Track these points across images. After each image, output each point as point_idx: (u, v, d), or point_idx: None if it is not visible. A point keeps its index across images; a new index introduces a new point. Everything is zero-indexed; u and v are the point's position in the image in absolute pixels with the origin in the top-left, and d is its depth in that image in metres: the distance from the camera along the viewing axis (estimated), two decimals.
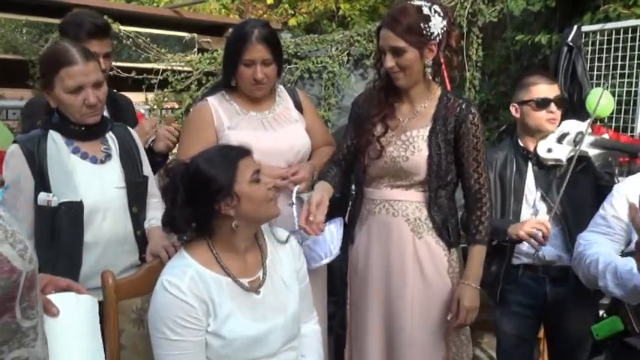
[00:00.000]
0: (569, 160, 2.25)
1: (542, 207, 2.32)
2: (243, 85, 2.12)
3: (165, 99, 4.51)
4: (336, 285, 2.67)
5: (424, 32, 1.87)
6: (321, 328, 1.92)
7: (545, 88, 2.31)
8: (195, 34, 5.17)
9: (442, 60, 1.98)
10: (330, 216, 2.17)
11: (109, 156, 1.91)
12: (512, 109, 2.40)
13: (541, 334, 2.67)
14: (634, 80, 3.79)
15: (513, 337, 2.37)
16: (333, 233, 2.07)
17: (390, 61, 1.89)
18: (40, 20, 4.59)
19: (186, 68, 4.71)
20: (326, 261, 2.07)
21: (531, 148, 2.35)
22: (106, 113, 2.28)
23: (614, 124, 3.79)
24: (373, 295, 2.06)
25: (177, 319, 1.50)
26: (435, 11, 1.88)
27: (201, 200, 1.56)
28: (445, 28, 1.90)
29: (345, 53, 4.81)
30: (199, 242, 1.63)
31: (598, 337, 1.70)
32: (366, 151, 2.02)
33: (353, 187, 2.92)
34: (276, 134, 2.14)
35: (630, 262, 1.58)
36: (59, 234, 1.78)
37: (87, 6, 4.44)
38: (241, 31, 2.08)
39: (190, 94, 4.53)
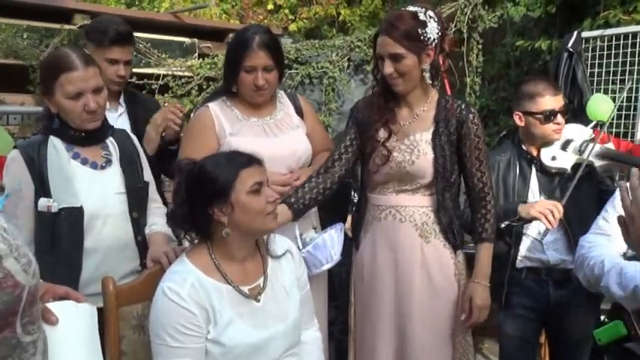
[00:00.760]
0: (574, 167, 2.25)
1: None
2: (244, 91, 2.12)
3: (166, 104, 4.51)
4: (336, 290, 2.66)
5: (421, 38, 1.90)
6: (321, 334, 1.91)
7: (551, 100, 2.29)
8: (196, 40, 5.17)
9: (442, 65, 2.01)
10: (329, 221, 2.18)
11: (109, 161, 1.91)
12: (516, 118, 2.37)
13: (542, 339, 2.67)
14: (634, 86, 3.80)
15: (516, 339, 2.37)
16: (333, 239, 2.07)
17: (388, 68, 1.91)
18: (40, 25, 4.59)
19: (186, 73, 4.71)
20: (327, 267, 2.07)
21: (535, 153, 2.35)
22: (124, 119, 2.29)
23: (614, 130, 3.79)
24: (382, 301, 2.06)
25: (178, 326, 1.49)
26: (430, 17, 1.92)
27: (198, 201, 1.56)
28: (440, 33, 1.93)
29: (346, 59, 4.82)
30: (201, 248, 1.62)
31: (600, 342, 1.69)
32: (372, 158, 2.02)
33: (353, 192, 2.93)
34: (277, 140, 2.14)
35: (636, 265, 1.59)
36: (59, 240, 1.78)
37: (88, 12, 4.46)
38: (242, 37, 2.07)
39: (191, 100, 4.53)
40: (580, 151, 2.31)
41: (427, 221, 2.01)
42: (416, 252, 2.00)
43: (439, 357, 2.02)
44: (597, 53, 3.94)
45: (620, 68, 3.82)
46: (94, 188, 1.84)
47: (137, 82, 4.12)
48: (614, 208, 1.90)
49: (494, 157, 2.39)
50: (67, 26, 4.51)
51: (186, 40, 5.14)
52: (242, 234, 1.60)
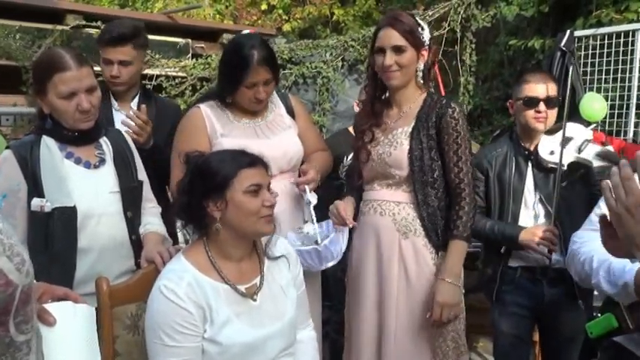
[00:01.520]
0: (570, 165, 2.26)
1: (541, 210, 2.32)
2: (242, 102, 2.14)
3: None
4: (331, 290, 2.67)
5: (420, 37, 2.00)
6: (316, 334, 1.91)
7: (535, 87, 2.31)
8: (190, 40, 5.16)
9: (436, 67, 2.07)
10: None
11: (103, 161, 1.90)
12: (509, 106, 2.43)
13: (536, 337, 2.68)
14: (627, 84, 3.82)
15: (511, 336, 2.38)
16: (345, 235, 2.14)
17: (390, 59, 1.98)
18: (33, 26, 4.57)
19: (180, 74, 4.70)
20: (334, 262, 2.12)
21: (532, 149, 2.36)
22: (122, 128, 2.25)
23: (607, 128, 3.81)
24: (365, 299, 2.09)
25: (175, 325, 1.49)
26: (423, 23, 2.07)
27: (196, 191, 1.57)
28: (429, 42, 2.04)
29: (340, 58, 4.82)
30: (197, 246, 1.62)
31: (592, 335, 1.69)
32: (360, 160, 2.11)
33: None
34: (269, 142, 2.14)
35: (625, 261, 1.59)
36: (52, 239, 1.77)
37: (81, 12, 4.45)
38: (241, 53, 2.05)
39: (185, 100, 4.52)
40: (579, 150, 2.31)
41: (407, 217, 2.02)
42: (394, 247, 2.02)
43: (415, 356, 2.01)
44: (590, 52, 3.97)
45: (612, 67, 3.84)
46: (87, 188, 1.83)
47: None
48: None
49: (490, 153, 2.41)
50: (59, 27, 4.50)
51: (180, 40, 5.13)
52: (234, 233, 1.60)
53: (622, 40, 3.81)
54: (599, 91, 3.75)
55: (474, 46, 4.76)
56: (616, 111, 3.83)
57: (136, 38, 2.36)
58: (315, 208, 2.15)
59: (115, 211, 1.88)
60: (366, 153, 2.08)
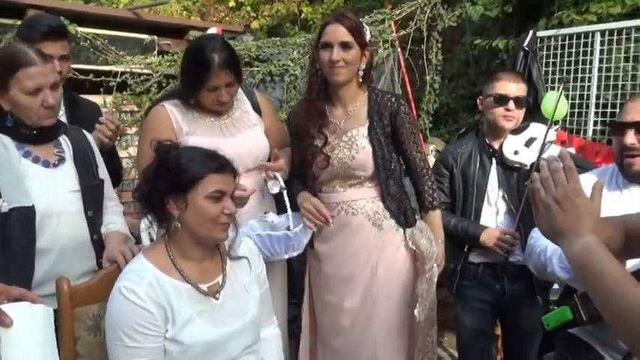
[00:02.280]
0: (532, 165, 2.31)
1: (503, 207, 2.37)
2: (205, 104, 2.12)
3: (124, 102, 4.42)
4: (297, 288, 2.67)
5: (365, 36, 2.07)
6: (281, 331, 1.92)
7: (506, 85, 2.35)
8: (156, 37, 5.09)
9: (403, 64, 2.11)
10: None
11: (62, 159, 1.87)
12: (479, 102, 2.47)
13: (499, 331, 2.74)
14: (586, 84, 3.92)
15: (473, 330, 2.44)
16: (310, 231, 2.16)
17: (337, 54, 2.02)
18: None
19: (145, 71, 4.63)
20: (296, 253, 2.14)
21: (497, 147, 2.40)
22: (63, 117, 2.23)
23: (567, 127, 3.90)
24: (344, 294, 2.14)
25: (135, 326, 1.47)
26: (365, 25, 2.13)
27: (159, 185, 1.55)
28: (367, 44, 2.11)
29: (307, 57, 4.81)
30: (158, 246, 1.61)
31: (548, 327, 1.74)
32: (314, 163, 2.12)
33: None
34: (234, 140, 2.14)
35: None
36: (10, 240, 1.72)
37: (43, 7, 4.34)
38: (201, 57, 2.03)
39: (150, 97, 4.45)
40: (542, 150, 2.36)
41: (377, 210, 2.13)
42: (369, 240, 2.12)
43: (395, 338, 2.12)
44: (552, 52, 4.06)
45: (573, 67, 3.93)
46: (46, 187, 1.79)
47: (94, 79, 4.04)
48: None
49: (456, 150, 2.45)
50: (20, 22, 4.39)
51: (146, 37, 5.06)
52: (190, 234, 1.59)
53: (582, 40, 3.91)
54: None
55: (440, 45, 4.80)
56: (576, 110, 3.93)
57: (67, 32, 2.31)
58: (275, 199, 2.17)
59: (76, 211, 1.85)
60: (324, 158, 2.10)
